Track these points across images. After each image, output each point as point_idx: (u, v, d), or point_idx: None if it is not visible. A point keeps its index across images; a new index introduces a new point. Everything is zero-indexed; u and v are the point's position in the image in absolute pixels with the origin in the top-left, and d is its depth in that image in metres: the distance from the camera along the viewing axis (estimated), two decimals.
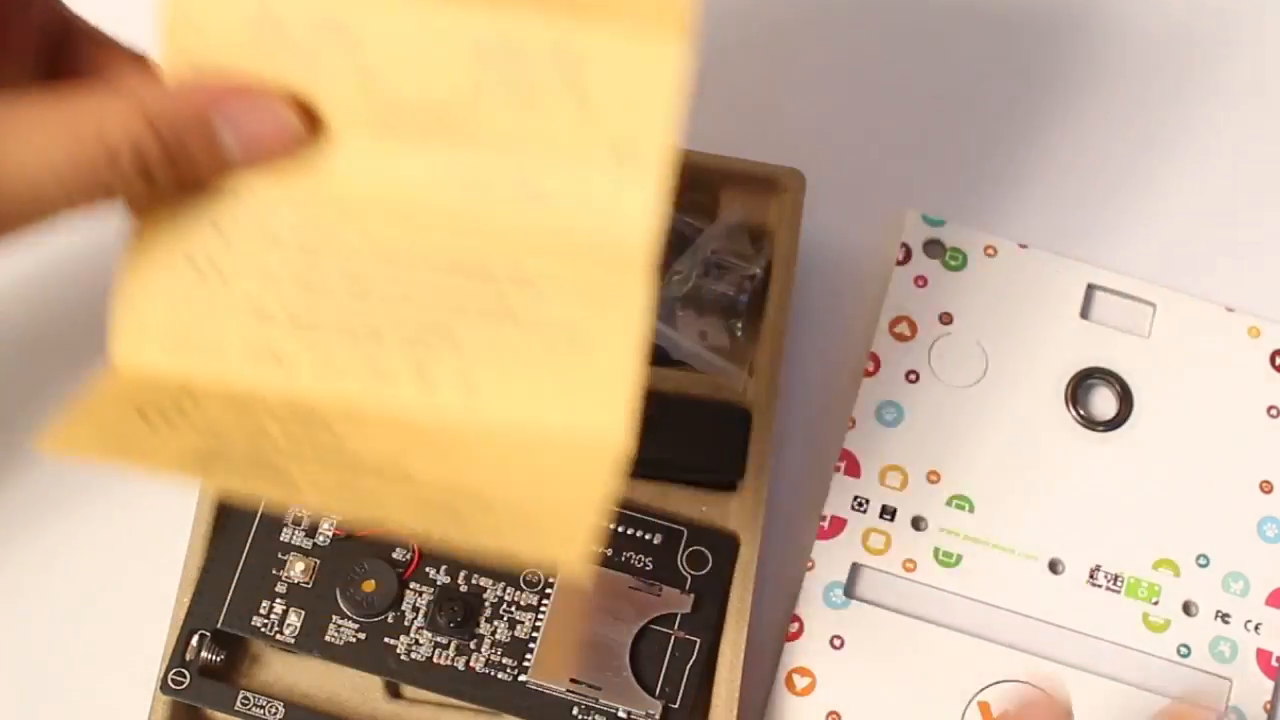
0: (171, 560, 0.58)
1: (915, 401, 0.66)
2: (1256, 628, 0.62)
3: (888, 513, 0.64)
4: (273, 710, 0.57)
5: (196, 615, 0.57)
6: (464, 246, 0.47)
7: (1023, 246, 0.68)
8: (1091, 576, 0.64)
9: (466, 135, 0.47)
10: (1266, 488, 0.64)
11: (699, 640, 0.58)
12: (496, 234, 0.47)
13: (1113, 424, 0.66)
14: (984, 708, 0.62)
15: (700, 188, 0.65)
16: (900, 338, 0.67)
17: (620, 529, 0.60)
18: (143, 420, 0.47)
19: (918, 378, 0.66)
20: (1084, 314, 0.67)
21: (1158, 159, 0.71)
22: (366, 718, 0.58)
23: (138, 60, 0.51)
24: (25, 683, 0.60)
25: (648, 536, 0.59)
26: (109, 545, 0.62)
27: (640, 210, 0.46)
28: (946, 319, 0.67)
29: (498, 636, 0.57)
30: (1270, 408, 0.66)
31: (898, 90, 0.72)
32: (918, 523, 0.64)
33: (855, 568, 0.63)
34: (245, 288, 0.49)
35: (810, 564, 0.63)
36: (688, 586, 0.59)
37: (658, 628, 0.58)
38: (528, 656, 0.57)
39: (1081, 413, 0.66)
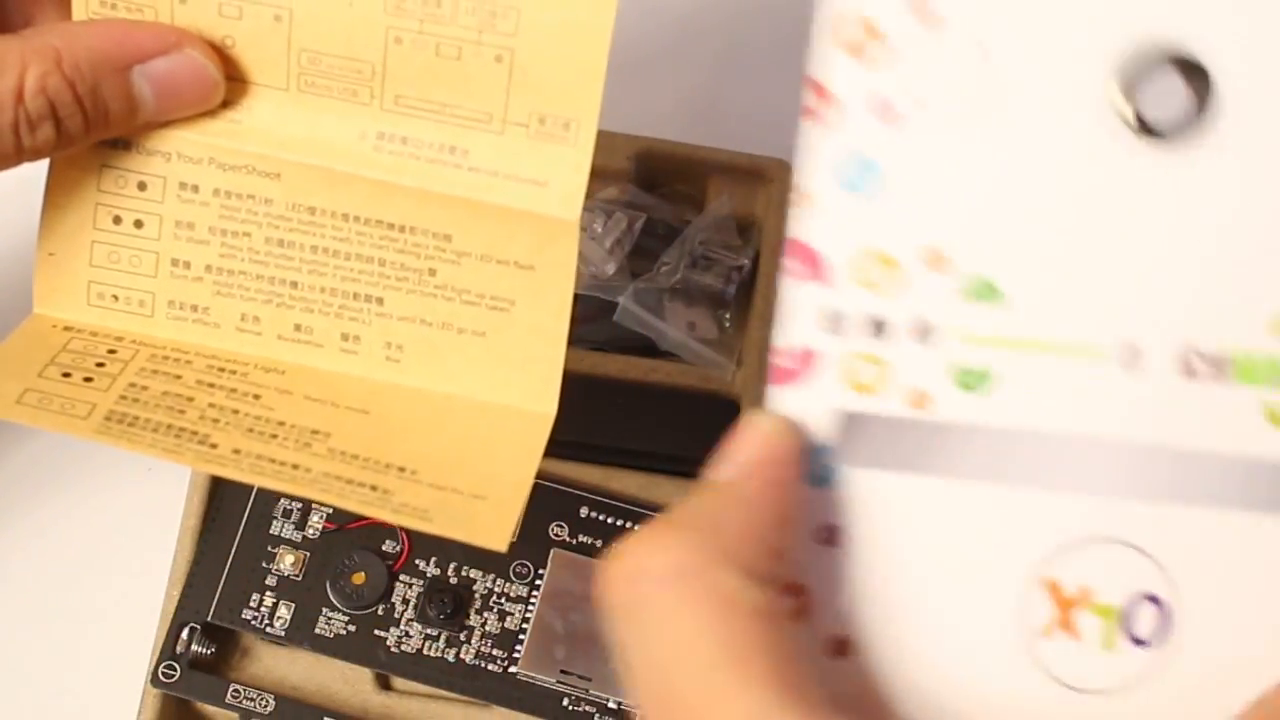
0: (161, 553, 0.58)
1: (895, 149, 0.40)
2: None
3: (876, 326, 0.39)
4: (263, 703, 0.56)
5: (187, 608, 0.57)
6: (387, 209, 0.47)
7: None
8: (1186, 366, 0.40)
9: (388, 94, 0.46)
10: None
11: None
12: (421, 199, 0.47)
13: (1188, 126, 0.38)
14: (1053, 587, 0.41)
15: (688, 179, 0.65)
16: (857, 50, 0.40)
17: (609, 520, 0.59)
18: (62, 377, 0.46)
19: (895, 112, 0.39)
20: None
21: None
22: (357, 710, 0.57)
23: None
24: (15, 676, 0.60)
25: (636, 528, 0.59)
26: (98, 538, 0.61)
27: (568, 181, 0.46)
28: (929, 13, 0.39)
29: (488, 628, 0.57)
30: None
31: None
32: (924, 332, 0.39)
33: (842, 418, 0.40)
34: (167, 242, 0.48)
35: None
36: None
37: None
38: (518, 648, 0.56)
39: (1142, 116, 0.38)
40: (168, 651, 0.56)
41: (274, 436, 0.46)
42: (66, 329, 0.48)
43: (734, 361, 0.61)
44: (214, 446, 0.45)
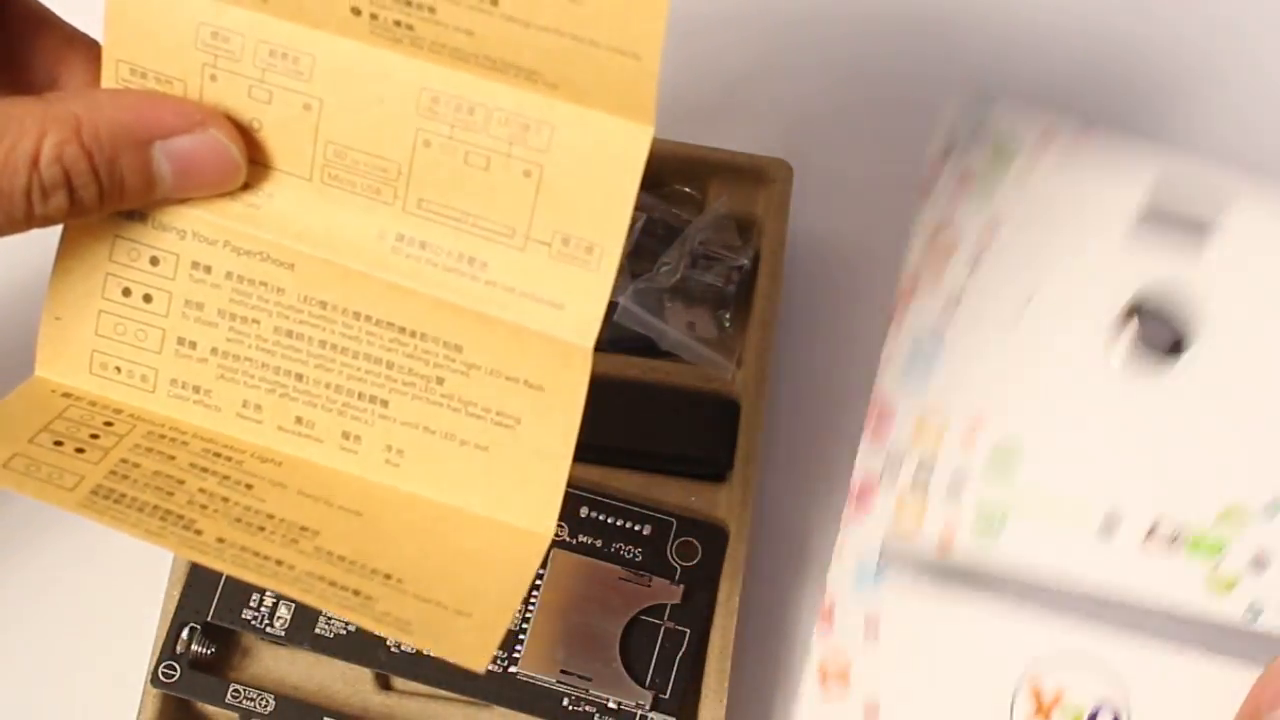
0: (161, 553, 0.56)
1: (955, 333, 0.57)
2: None
3: (923, 474, 0.57)
4: (263, 703, 0.55)
5: (187, 608, 0.56)
6: (400, 313, 0.46)
7: (1083, 132, 0.60)
8: (1150, 534, 0.56)
9: (411, 196, 0.45)
10: None
11: (689, 631, 0.56)
12: (434, 306, 0.45)
13: (1177, 352, 0.58)
14: (1036, 692, 0.55)
15: (688, 179, 0.64)
16: (942, 250, 0.58)
17: (609, 520, 0.58)
18: (54, 445, 0.45)
19: (959, 303, 0.58)
20: (1143, 221, 0.59)
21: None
22: (357, 710, 0.56)
23: (81, 46, 0.48)
24: (14, 676, 0.59)
25: (637, 528, 0.58)
26: (99, 538, 0.60)
27: (586, 306, 0.44)
28: (992, 230, 0.59)
29: None
30: None
31: (884, 80, 0.70)
32: (956, 484, 0.56)
33: (887, 544, 0.57)
34: (174, 319, 0.47)
35: (840, 544, 0.57)
36: (677, 577, 0.57)
37: (648, 618, 0.56)
38: (518, 648, 0.55)
39: (1144, 341, 0.58)
40: (168, 651, 0.55)
41: (261, 529, 0.45)
42: (65, 395, 0.47)
43: (734, 362, 0.60)
44: (199, 533, 0.44)
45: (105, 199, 0.44)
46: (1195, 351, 0.58)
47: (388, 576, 0.44)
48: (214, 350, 0.47)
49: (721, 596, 0.57)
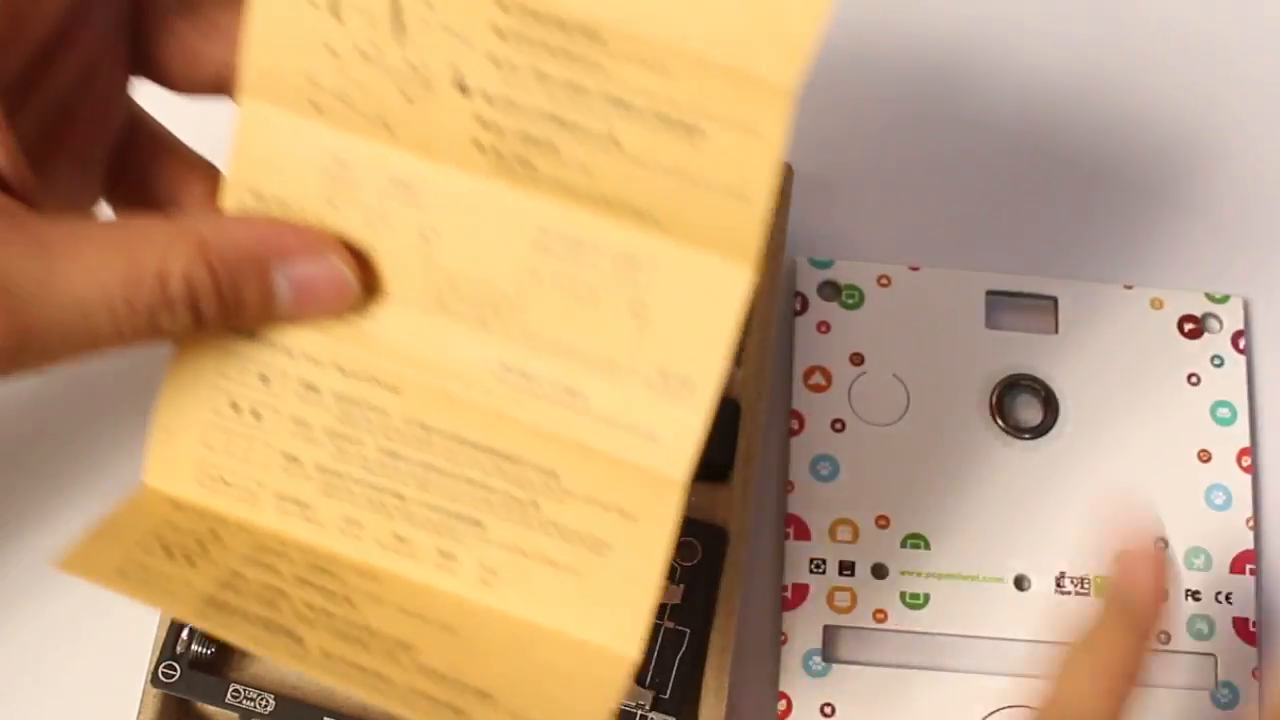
0: None
1: (847, 449, 0.64)
2: (1228, 598, 0.61)
3: (846, 568, 0.62)
4: (263, 703, 0.55)
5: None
6: (500, 438, 0.46)
7: (914, 269, 0.67)
8: (1058, 585, 0.62)
9: (518, 327, 0.46)
10: (1205, 456, 0.64)
11: (689, 631, 0.57)
12: (533, 433, 0.46)
13: (1042, 428, 0.64)
14: None
15: None
16: (817, 389, 0.65)
17: None
18: (165, 554, 0.46)
19: (844, 425, 0.64)
20: (989, 323, 0.66)
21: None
22: (357, 710, 0.56)
23: (204, 171, 0.50)
24: (15, 676, 0.59)
25: None
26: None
27: (681, 440, 0.45)
28: (858, 359, 0.65)
29: None
30: (1190, 375, 0.65)
31: (884, 82, 0.72)
32: (879, 571, 0.62)
33: (828, 630, 0.61)
34: (281, 435, 0.47)
35: (784, 637, 0.61)
36: (677, 577, 0.57)
37: None
38: None
39: (1009, 424, 0.64)
40: (168, 651, 0.55)
41: (362, 644, 0.45)
42: (174, 504, 0.48)
43: (734, 362, 0.61)
44: (302, 644, 0.44)
45: (226, 317, 0.45)
46: (1063, 419, 0.65)
47: (483, 693, 0.44)
48: (319, 467, 0.48)
49: (721, 596, 0.57)
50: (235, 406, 0.47)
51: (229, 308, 0.45)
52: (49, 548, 0.60)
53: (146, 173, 0.51)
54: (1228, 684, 0.60)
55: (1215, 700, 0.60)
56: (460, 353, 0.46)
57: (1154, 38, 0.73)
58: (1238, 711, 0.60)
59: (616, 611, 0.46)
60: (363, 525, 0.47)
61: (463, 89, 0.44)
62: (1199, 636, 0.61)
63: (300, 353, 0.47)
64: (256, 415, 0.48)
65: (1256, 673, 0.60)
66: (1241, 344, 0.66)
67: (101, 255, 0.43)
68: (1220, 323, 0.66)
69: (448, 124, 0.45)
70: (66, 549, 0.44)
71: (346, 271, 0.46)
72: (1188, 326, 0.66)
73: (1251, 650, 0.61)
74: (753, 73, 0.41)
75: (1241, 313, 0.66)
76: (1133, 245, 0.69)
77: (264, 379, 0.47)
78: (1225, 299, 0.66)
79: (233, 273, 0.44)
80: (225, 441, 0.48)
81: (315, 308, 0.46)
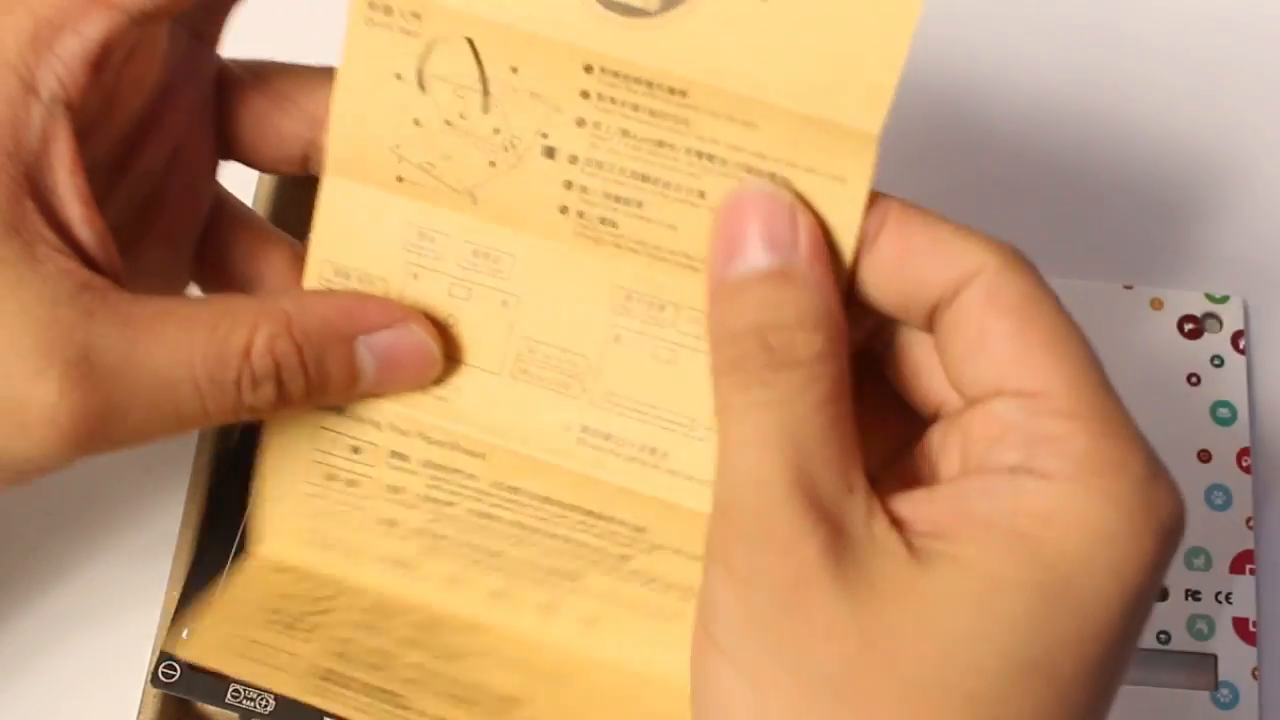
0: (161, 553, 0.56)
1: None
2: (1227, 597, 0.61)
3: None
4: (263, 703, 0.54)
5: (187, 608, 0.54)
6: (586, 497, 0.47)
7: None
8: None
9: (599, 389, 0.46)
10: (1205, 456, 0.63)
11: None
12: (618, 493, 0.46)
13: None
14: None
15: None
16: None
17: None
18: (280, 627, 0.47)
19: None
20: None
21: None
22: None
23: (286, 247, 0.50)
24: (15, 676, 0.58)
25: None
26: (99, 538, 0.60)
27: None
28: None
29: None
30: (1190, 375, 0.65)
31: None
32: None
33: None
34: (378, 502, 0.48)
35: None
36: None
37: None
38: None
39: None
40: (168, 651, 0.54)
41: (470, 701, 0.46)
42: (280, 570, 0.49)
43: None
44: (406, 709, 0.45)
45: (310, 392, 0.45)
46: None
47: None
48: (416, 529, 0.48)
49: None
50: (331, 476, 0.48)
51: (314, 383, 0.45)
52: (50, 547, 0.61)
53: (230, 251, 0.51)
54: (1228, 684, 0.60)
55: (1215, 700, 0.60)
56: (540, 417, 0.47)
57: (1154, 38, 0.73)
58: (1238, 711, 0.59)
59: None
60: (463, 582, 0.48)
61: (549, 153, 0.45)
62: (1199, 636, 0.60)
63: (387, 424, 0.47)
64: (352, 484, 0.48)
65: (1256, 673, 0.60)
66: (1241, 344, 0.65)
67: (186, 332, 0.43)
68: (1220, 323, 0.66)
69: (533, 190, 0.45)
70: (181, 639, 0.46)
71: (429, 341, 0.46)
72: (1188, 326, 0.65)
73: (1251, 650, 0.60)
74: (836, 121, 0.42)
75: (1241, 313, 0.66)
76: (1133, 245, 0.68)
77: (355, 450, 0.48)
78: (1225, 299, 0.66)
79: (317, 347, 0.44)
80: (325, 509, 0.49)
81: (399, 379, 0.46)
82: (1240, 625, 0.61)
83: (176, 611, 0.54)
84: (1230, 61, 0.72)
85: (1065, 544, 0.38)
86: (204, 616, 0.47)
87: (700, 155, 0.43)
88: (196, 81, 0.48)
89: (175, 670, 0.54)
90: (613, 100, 0.44)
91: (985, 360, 0.41)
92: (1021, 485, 0.39)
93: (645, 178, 0.44)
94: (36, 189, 0.43)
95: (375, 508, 0.48)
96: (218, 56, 0.49)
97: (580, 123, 0.44)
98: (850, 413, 0.41)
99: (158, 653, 0.55)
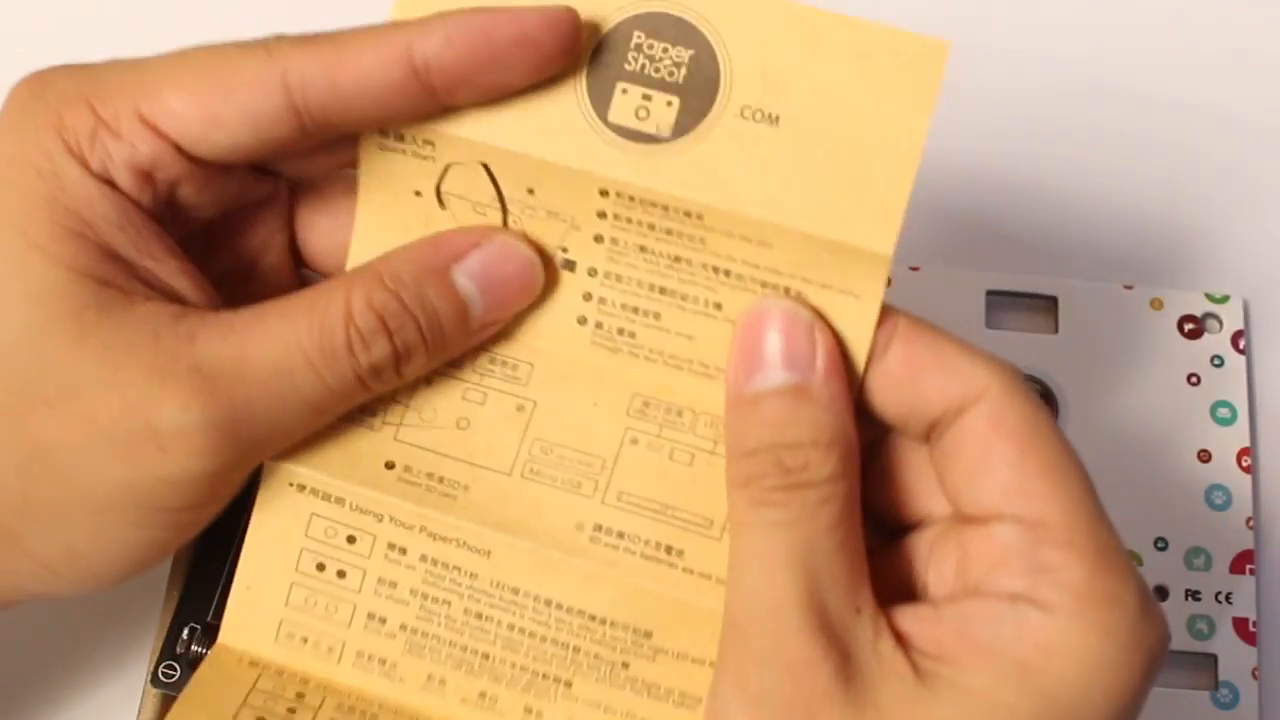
0: None
1: None
2: (1228, 598, 0.61)
3: None
4: None
5: (187, 608, 0.55)
6: (592, 600, 0.46)
7: (914, 269, 0.66)
8: None
9: (614, 490, 0.46)
10: (1205, 456, 0.63)
11: None
12: (627, 592, 0.46)
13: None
14: None
15: None
16: None
17: None
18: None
19: None
20: (989, 323, 0.65)
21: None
22: None
23: None
24: (15, 676, 0.58)
25: None
26: None
27: None
28: None
29: None
30: (1190, 375, 0.65)
31: None
32: None
33: None
34: (366, 595, 0.47)
35: None
36: None
37: None
38: None
39: None
40: (168, 651, 0.54)
41: None
42: (253, 664, 0.48)
43: None
44: None
45: (427, 337, 0.45)
46: (1063, 419, 0.64)
47: None
48: (403, 626, 0.47)
49: None
50: (320, 566, 0.48)
51: (425, 327, 0.44)
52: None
53: None
54: (1228, 684, 0.59)
55: (1215, 700, 0.59)
56: (551, 517, 0.46)
57: (1154, 39, 0.73)
58: (1238, 711, 0.59)
59: None
60: (446, 683, 0.47)
61: (569, 266, 0.46)
62: (1199, 636, 0.60)
63: (389, 517, 0.47)
64: (342, 575, 0.48)
65: (1256, 673, 0.60)
66: (1241, 344, 0.65)
67: (287, 319, 0.43)
68: (1220, 323, 0.65)
69: (552, 300, 0.46)
70: None
71: (518, 244, 0.46)
72: (1188, 326, 0.65)
73: (1251, 650, 0.60)
74: (850, 242, 0.42)
75: (1241, 313, 0.66)
76: (1133, 245, 0.68)
77: (351, 540, 0.47)
78: (1225, 299, 0.66)
79: (414, 288, 0.44)
80: (308, 600, 0.48)
81: (507, 296, 0.46)
82: (1240, 625, 0.60)
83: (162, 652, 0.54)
84: (1230, 61, 0.72)
85: (1065, 674, 0.40)
86: (177, 711, 0.46)
87: (716, 270, 0.44)
88: (269, 203, 0.49)
89: (175, 670, 0.54)
90: (629, 220, 0.44)
91: (988, 485, 0.42)
92: (1023, 615, 0.41)
93: (662, 290, 0.45)
94: (123, 254, 0.44)
95: (363, 601, 0.47)
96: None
97: (598, 239, 0.45)
98: (859, 529, 0.43)
99: (158, 653, 0.55)
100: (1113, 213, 0.69)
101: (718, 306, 0.45)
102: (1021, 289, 0.66)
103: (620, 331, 0.46)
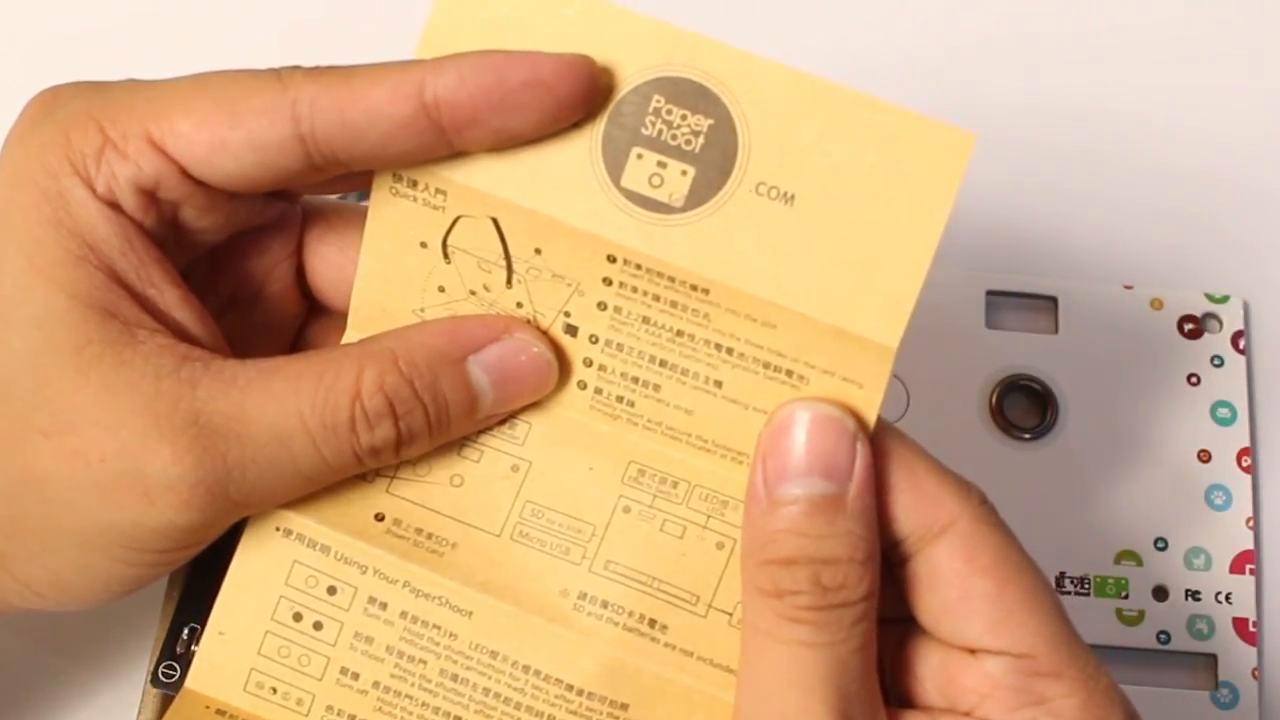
0: None
1: None
2: (1227, 598, 0.60)
3: None
4: None
5: (187, 608, 0.54)
6: (571, 669, 0.45)
7: None
8: (1058, 585, 0.60)
9: (601, 558, 0.45)
10: (1205, 456, 0.63)
11: None
12: (607, 664, 0.45)
13: (1042, 428, 0.63)
14: None
15: None
16: None
17: None
18: None
19: None
20: (989, 323, 0.65)
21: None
22: None
23: None
24: (15, 676, 0.58)
25: None
26: None
27: (724, 675, 0.44)
28: None
29: None
30: (1190, 375, 0.64)
31: (889, 86, 0.69)
32: None
33: None
34: (341, 650, 0.46)
35: None
36: None
37: None
38: None
39: (1009, 424, 0.63)
40: (168, 651, 0.54)
41: None
42: (219, 713, 0.47)
43: None
44: None
45: (432, 425, 0.44)
46: (1063, 419, 0.64)
47: None
48: (376, 684, 0.46)
49: None
50: (297, 616, 0.46)
51: (432, 413, 0.44)
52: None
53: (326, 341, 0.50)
54: (1228, 684, 0.59)
55: (1215, 700, 0.59)
56: (537, 581, 0.45)
57: (1153, 39, 0.72)
58: (1238, 711, 0.59)
59: None
60: None
61: (571, 330, 0.45)
62: (1199, 636, 0.60)
63: (372, 569, 0.46)
64: (318, 626, 0.46)
65: (1256, 673, 0.59)
66: (1241, 344, 0.65)
67: (293, 384, 0.43)
68: (1220, 323, 0.65)
69: None
70: None
71: (535, 343, 0.45)
72: (1188, 326, 0.65)
73: (1251, 650, 0.60)
74: (856, 332, 0.42)
75: (1241, 313, 0.65)
76: (1133, 245, 0.68)
77: (331, 591, 0.46)
78: (1225, 299, 0.65)
79: (428, 375, 0.44)
80: (281, 650, 0.47)
81: (518, 392, 0.45)
82: (1240, 625, 0.60)
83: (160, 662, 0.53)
84: (1229, 61, 0.72)
85: None
86: None
87: (719, 348, 0.43)
88: (278, 229, 0.48)
89: (175, 670, 0.54)
90: (635, 289, 0.43)
91: (971, 621, 0.42)
92: None
93: (664, 363, 0.44)
94: (126, 280, 0.43)
95: (337, 655, 0.46)
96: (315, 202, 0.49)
97: (602, 306, 0.44)
98: (876, 642, 0.42)
99: (158, 653, 0.54)
100: (1113, 213, 0.68)
101: (718, 384, 0.44)
102: (1021, 289, 0.65)
103: (620, 399, 0.45)
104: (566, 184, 0.43)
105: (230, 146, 0.42)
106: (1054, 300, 0.65)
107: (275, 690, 0.47)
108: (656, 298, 0.43)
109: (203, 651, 0.47)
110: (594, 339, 0.45)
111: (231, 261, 0.48)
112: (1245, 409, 0.63)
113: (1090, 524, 0.62)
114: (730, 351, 0.43)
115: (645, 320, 0.44)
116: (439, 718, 0.46)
